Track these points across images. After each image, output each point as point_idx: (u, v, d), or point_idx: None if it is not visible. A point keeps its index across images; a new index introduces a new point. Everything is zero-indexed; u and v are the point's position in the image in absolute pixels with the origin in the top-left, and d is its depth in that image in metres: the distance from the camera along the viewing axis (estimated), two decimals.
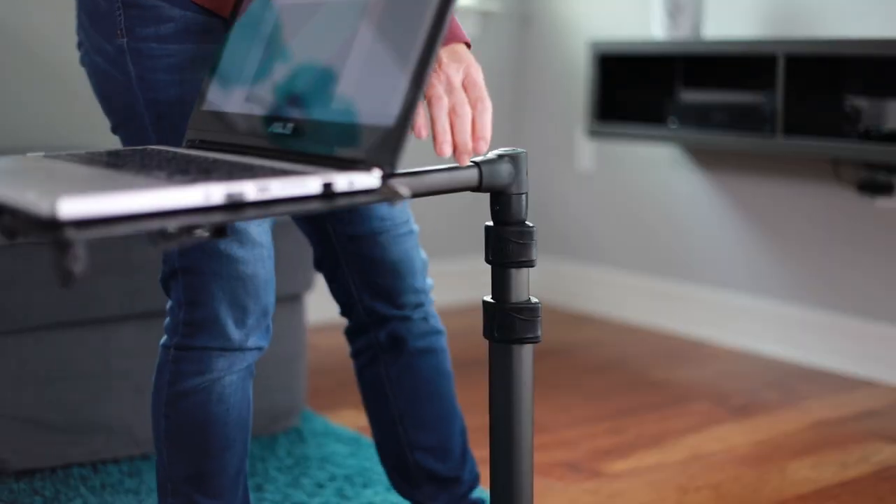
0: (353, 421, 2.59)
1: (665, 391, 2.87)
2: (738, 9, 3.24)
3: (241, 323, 1.48)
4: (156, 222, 0.91)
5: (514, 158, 1.25)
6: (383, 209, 1.60)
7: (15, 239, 0.94)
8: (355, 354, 1.74)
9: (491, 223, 1.29)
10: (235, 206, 0.95)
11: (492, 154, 1.25)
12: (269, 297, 1.52)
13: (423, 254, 1.69)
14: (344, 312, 1.71)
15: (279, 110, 1.19)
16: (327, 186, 1.00)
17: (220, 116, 1.27)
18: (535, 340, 1.30)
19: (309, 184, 0.99)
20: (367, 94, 1.10)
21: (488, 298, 1.31)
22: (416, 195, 1.14)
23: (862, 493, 2.21)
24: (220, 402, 1.51)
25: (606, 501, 2.17)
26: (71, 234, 0.84)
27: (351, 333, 1.73)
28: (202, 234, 0.94)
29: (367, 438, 2.44)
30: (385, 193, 1.04)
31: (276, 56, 1.24)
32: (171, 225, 0.90)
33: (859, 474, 2.31)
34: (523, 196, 1.27)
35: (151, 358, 2.25)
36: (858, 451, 2.43)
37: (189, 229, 0.92)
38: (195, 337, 1.49)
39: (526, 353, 1.30)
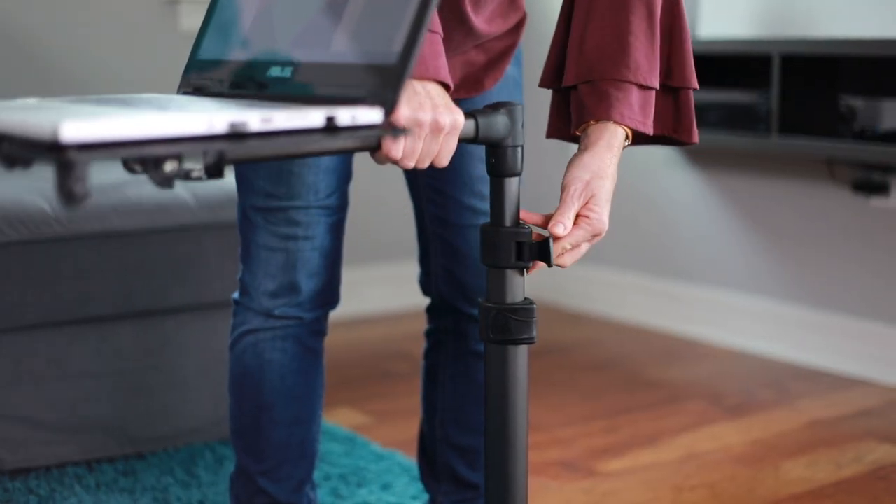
0: (347, 419, 2.59)
1: (660, 390, 2.88)
2: (734, 8, 3.24)
3: (268, 291, 1.58)
4: (158, 148, 0.91)
5: (510, 111, 1.25)
6: (477, 202, 1.61)
7: (14, 167, 0.94)
8: (427, 333, 1.80)
9: (487, 223, 1.30)
10: (238, 136, 0.96)
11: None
12: (297, 276, 1.56)
13: None
14: (424, 290, 1.76)
15: (277, 54, 1.18)
16: (330, 120, 1.01)
17: (217, 64, 1.26)
18: (530, 341, 1.30)
19: (312, 116, 1.00)
20: (368, 34, 1.10)
21: (483, 300, 1.31)
22: None
23: (856, 492, 2.22)
24: (255, 356, 1.61)
25: (601, 501, 2.17)
26: (73, 155, 0.85)
27: (428, 311, 1.78)
28: (198, 174, 0.96)
29: (362, 437, 2.45)
30: (387, 129, 1.04)
31: (273, 0, 1.23)
32: (173, 151, 0.91)
33: (854, 474, 2.31)
34: (519, 148, 1.27)
35: (148, 356, 2.27)
36: (853, 450, 2.44)
37: (186, 174, 0.94)
38: (240, 293, 1.63)
39: (521, 353, 1.30)
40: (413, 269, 1.88)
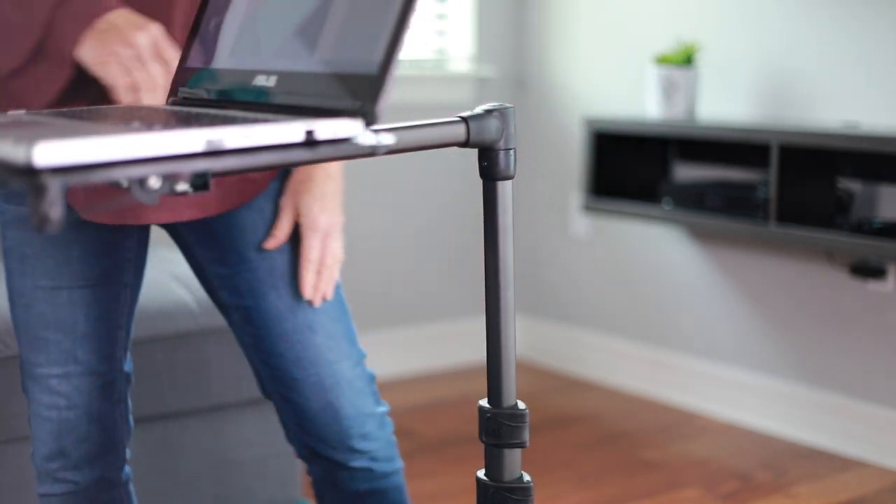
0: None
1: (658, 473, 2.90)
2: (733, 89, 3.26)
3: (43, 455, 1.56)
4: (134, 169, 0.91)
5: (502, 113, 1.22)
6: (301, 354, 1.55)
7: None
8: (309, 474, 1.68)
9: (485, 402, 1.31)
10: (216, 153, 0.95)
11: (479, 109, 1.22)
12: (65, 443, 1.54)
13: (374, 403, 1.61)
14: (289, 440, 1.65)
15: (262, 63, 1.18)
16: (309, 134, 1.00)
17: (204, 73, 1.25)
18: None
19: (291, 131, 0.99)
20: (350, 43, 1.09)
21: (481, 474, 1.33)
22: (402, 150, 1.14)
23: None
24: None
25: None
26: (47, 179, 0.85)
27: (301, 459, 1.67)
28: (183, 187, 0.95)
29: None
30: (368, 141, 1.03)
31: (258, 9, 1.23)
32: (149, 172, 0.91)
33: None
34: (511, 152, 1.23)
35: (149, 460, 2.28)
36: None
37: (172, 183, 0.93)
38: (31, 453, 1.60)
39: None
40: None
